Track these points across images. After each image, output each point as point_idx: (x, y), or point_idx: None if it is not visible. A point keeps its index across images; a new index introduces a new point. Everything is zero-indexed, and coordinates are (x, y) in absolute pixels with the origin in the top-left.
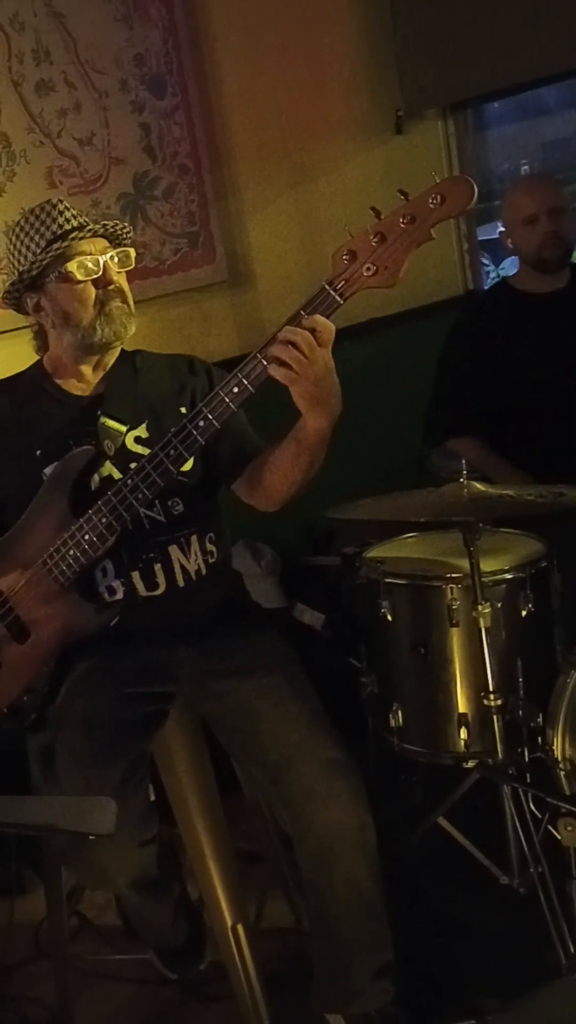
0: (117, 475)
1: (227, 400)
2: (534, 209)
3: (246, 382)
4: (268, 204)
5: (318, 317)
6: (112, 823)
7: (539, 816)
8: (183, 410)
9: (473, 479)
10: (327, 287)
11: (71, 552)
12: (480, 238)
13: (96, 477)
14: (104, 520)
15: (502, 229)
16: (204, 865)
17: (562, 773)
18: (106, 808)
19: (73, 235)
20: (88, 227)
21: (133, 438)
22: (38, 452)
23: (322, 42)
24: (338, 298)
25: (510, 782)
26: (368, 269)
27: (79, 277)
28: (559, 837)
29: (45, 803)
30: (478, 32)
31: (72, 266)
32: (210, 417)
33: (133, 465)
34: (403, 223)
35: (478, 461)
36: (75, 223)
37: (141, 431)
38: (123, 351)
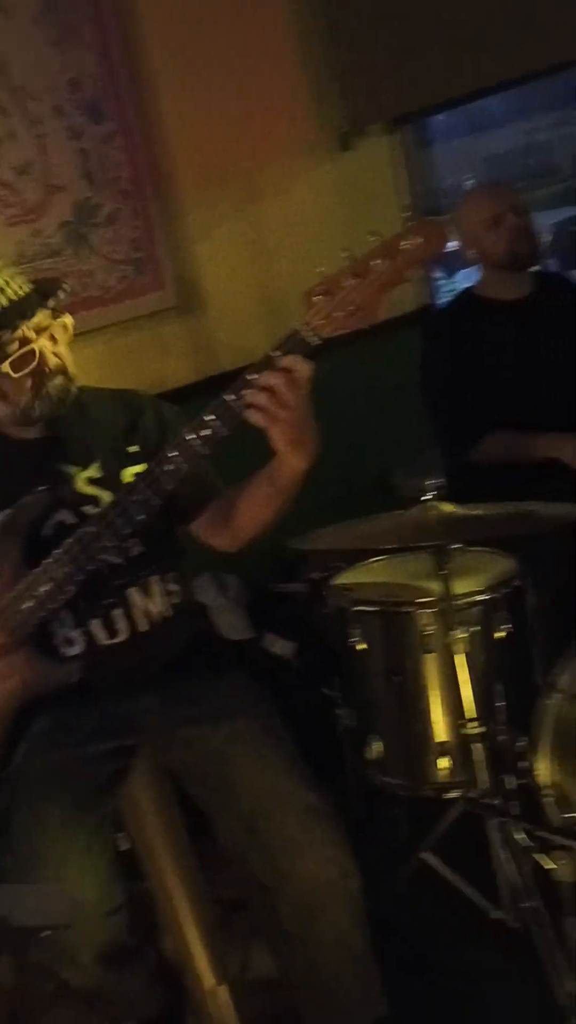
0: (71, 520)
1: (196, 443)
2: (499, 209)
3: (219, 424)
4: (215, 227)
5: (294, 357)
6: (67, 914)
7: (529, 845)
8: (131, 449)
9: (441, 499)
10: (301, 328)
11: (26, 605)
12: None
13: (50, 524)
14: (64, 571)
15: (458, 243)
16: (180, 924)
17: (550, 800)
18: (59, 898)
19: (10, 324)
20: (27, 309)
21: (85, 479)
22: None
23: (261, 60)
24: (314, 339)
25: (494, 814)
26: (343, 309)
27: (15, 375)
28: (549, 869)
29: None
30: (418, 44)
31: (6, 367)
32: (180, 460)
33: (89, 508)
34: (377, 264)
35: (514, 452)
36: (7, 299)
37: (93, 471)
38: None
